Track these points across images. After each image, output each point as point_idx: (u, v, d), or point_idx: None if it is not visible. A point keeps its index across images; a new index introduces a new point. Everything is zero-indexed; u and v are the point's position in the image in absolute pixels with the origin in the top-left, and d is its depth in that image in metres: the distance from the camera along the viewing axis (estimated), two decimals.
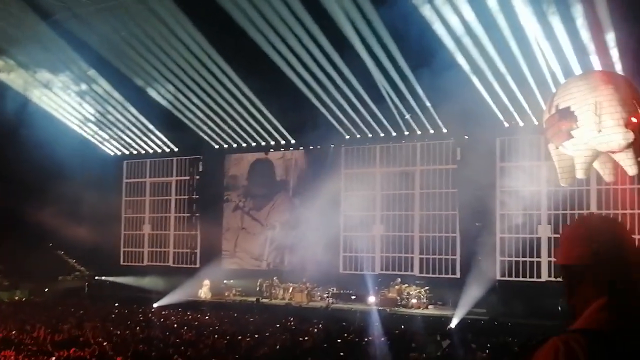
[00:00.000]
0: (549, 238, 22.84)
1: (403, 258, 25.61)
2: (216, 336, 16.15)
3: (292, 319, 20.47)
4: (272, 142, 28.43)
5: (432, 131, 24.73)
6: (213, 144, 29.61)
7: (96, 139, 31.77)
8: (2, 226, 27.65)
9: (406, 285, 23.99)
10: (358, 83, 22.93)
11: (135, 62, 25.17)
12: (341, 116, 25.03)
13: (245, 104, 26.09)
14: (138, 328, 18.06)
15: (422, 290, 23.73)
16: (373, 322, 19.75)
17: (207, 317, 21.54)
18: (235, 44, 22.69)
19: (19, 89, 27.84)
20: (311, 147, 27.84)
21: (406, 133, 25.21)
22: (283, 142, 28.21)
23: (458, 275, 23.93)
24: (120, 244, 32.55)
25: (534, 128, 22.40)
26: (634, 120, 13.71)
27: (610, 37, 18.14)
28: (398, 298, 23.58)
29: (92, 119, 30.18)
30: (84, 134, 31.13)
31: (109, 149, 32.43)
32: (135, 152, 32.13)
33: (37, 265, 28.23)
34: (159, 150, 31.56)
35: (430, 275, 24.79)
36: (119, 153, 32.59)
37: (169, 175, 31.83)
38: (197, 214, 30.55)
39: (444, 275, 24.59)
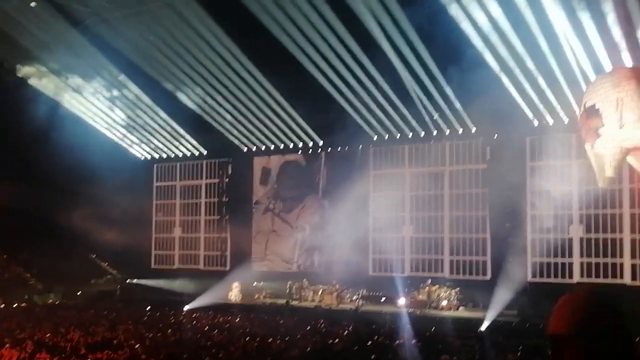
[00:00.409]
0: (581, 238, 22.53)
1: (433, 260, 25.44)
2: (247, 339, 16.19)
3: (322, 321, 20.46)
4: (300, 144, 28.46)
5: (460, 131, 24.53)
6: (242, 146, 29.74)
7: (126, 143, 32.13)
8: (35, 230, 28.11)
9: (436, 286, 23.84)
10: (386, 83, 22.86)
11: (164, 66, 25.41)
12: (369, 117, 24.96)
13: (274, 107, 26.17)
14: (170, 331, 18.20)
15: (453, 291, 23.56)
16: (403, 324, 19.65)
17: (237, 320, 21.62)
18: (263, 46, 22.76)
19: (50, 94, 28.28)
20: (339, 149, 27.79)
21: (435, 133, 25.04)
22: (311, 143, 28.23)
23: (489, 277, 23.69)
24: (151, 247, 32.82)
25: (565, 127, 22.16)
26: None
27: None
28: (428, 300, 23.45)
29: (122, 123, 30.54)
30: (115, 138, 31.52)
31: (139, 152, 32.76)
32: (165, 155, 32.39)
33: (69, 269, 28.63)
34: (189, 154, 31.79)
35: (461, 276, 24.60)
36: (149, 157, 32.89)
37: (198, 178, 32.02)
38: (227, 217, 30.68)
39: (474, 277, 24.37)
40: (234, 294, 27.19)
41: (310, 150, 28.54)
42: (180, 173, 32.56)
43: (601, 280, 21.89)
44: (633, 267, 21.52)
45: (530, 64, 20.20)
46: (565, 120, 22.00)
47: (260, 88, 25.18)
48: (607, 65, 18.63)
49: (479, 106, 21.38)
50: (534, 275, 23.02)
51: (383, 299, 24.44)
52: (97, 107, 29.49)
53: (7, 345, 14.95)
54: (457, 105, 23.05)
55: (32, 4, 23.22)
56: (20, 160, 28.26)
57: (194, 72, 25.35)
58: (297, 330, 18.21)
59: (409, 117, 24.55)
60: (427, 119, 24.27)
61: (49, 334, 17.10)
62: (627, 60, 18.32)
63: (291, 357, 13.67)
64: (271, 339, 16.09)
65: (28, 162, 28.34)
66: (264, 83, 24.89)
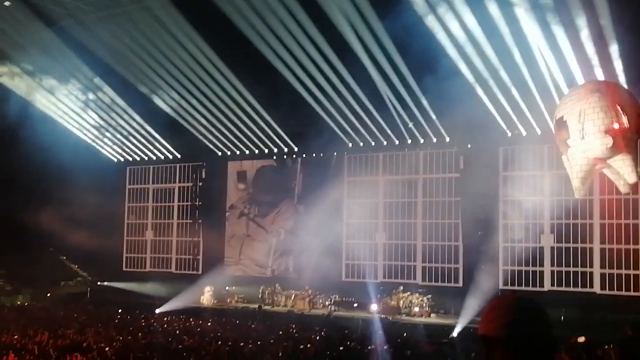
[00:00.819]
0: (552, 247, 22.85)
1: (406, 266, 25.62)
2: (219, 343, 16.13)
3: (294, 326, 20.42)
4: (276, 150, 28.48)
5: (435, 140, 24.75)
6: (216, 150, 29.68)
7: (99, 145, 31.85)
8: (4, 231, 27.70)
9: (408, 293, 23.99)
10: (361, 91, 22.99)
11: (140, 69, 25.27)
12: (344, 124, 25.07)
13: (249, 112, 26.16)
14: (140, 334, 18.04)
15: (425, 298, 23.73)
16: (375, 330, 19.72)
17: (209, 324, 21.52)
18: (238, 52, 22.78)
19: (22, 94, 27.95)
20: (314, 155, 27.86)
21: (409, 141, 25.24)
22: (286, 149, 28.26)
23: (461, 284, 23.90)
24: (122, 249, 32.58)
25: (537, 138, 22.51)
26: (615, 126, 13.91)
27: (614, 48, 18.19)
28: (400, 306, 23.58)
29: (96, 125, 30.29)
30: (88, 140, 31.23)
31: (112, 155, 32.52)
32: (138, 158, 32.20)
33: (39, 271, 28.30)
34: (162, 157, 31.64)
35: (433, 283, 24.80)
36: (122, 159, 32.67)
37: (171, 181, 31.90)
38: (200, 221, 30.57)
39: (446, 284, 24.58)
40: (206, 298, 27.10)
41: (285, 156, 28.58)
42: (153, 176, 32.40)
43: (571, 289, 22.22)
44: (602, 276, 21.86)
45: (504, 76, 20.48)
46: (538, 131, 22.31)
47: (235, 93, 25.15)
48: (580, 79, 18.97)
49: (454, 116, 21.56)
50: (505, 284, 23.28)
51: (355, 304, 24.51)
52: (70, 109, 29.19)
53: None
54: (432, 114, 23.25)
55: (6, 3, 22.95)
56: None
57: (169, 75, 25.25)
58: (269, 334, 18.17)
59: (384, 125, 24.70)
60: (402, 127, 24.45)
61: (16, 336, 16.85)
62: (599, 75, 18.66)
63: None
64: (243, 344, 16.04)
65: None
66: (240, 88, 24.87)
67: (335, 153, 27.28)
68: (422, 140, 25.01)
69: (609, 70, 18.57)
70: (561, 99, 16.46)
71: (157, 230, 32.12)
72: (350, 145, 26.49)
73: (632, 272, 21.34)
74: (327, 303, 25.07)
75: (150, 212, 32.35)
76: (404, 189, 26.08)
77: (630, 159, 14.54)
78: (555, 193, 22.45)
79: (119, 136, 30.88)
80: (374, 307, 23.66)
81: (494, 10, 18.42)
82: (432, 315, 23.43)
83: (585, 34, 18.14)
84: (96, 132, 30.91)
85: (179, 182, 31.71)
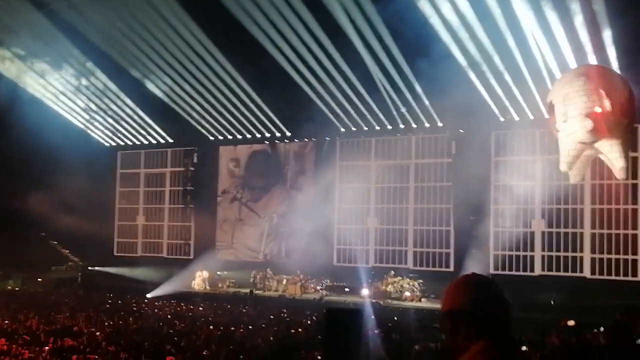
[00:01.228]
0: (543, 232, 22.92)
1: (397, 251, 25.67)
2: (210, 327, 16.14)
3: (285, 310, 20.47)
4: (268, 135, 28.40)
5: (427, 124, 24.72)
6: (208, 135, 29.56)
7: (90, 130, 31.67)
8: None
9: (399, 278, 24.04)
10: (354, 76, 22.91)
11: (131, 53, 25.05)
12: (337, 109, 25.00)
13: (241, 96, 26.04)
14: (131, 319, 18.03)
15: (416, 283, 23.77)
16: (366, 314, 19.73)
17: (200, 308, 21.53)
18: (231, 36, 22.65)
19: (13, 78, 27.68)
20: (306, 139, 27.80)
21: (402, 126, 25.19)
22: (279, 134, 28.18)
23: (452, 269, 23.97)
24: (114, 234, 32.54)
25: (530, 123, 22.51)
26: (597, 110, 13.95)
27: (607, 33, 18.15)
28: (391, 291, 23.64)
29: (87, 109, 30.07)
30: (79, 125, 31.03)
31: (103, 139, 32.34)
32: (130, 142, 32.05)
33: (30, 256, 28.18)
34: (154, 142, 31.50)
35: (424, 268, 24.86)
36: (113, 144, 32.51)
37: (163, 166, 31.80)
38: (192, 205, 30.52)
39: (437, 269, 24.65)
40: (197, 282, 27.08)
41: (277, 140, 28.50)
42: (145, 161, 32.31)
43: (562, 273, 22.32)
44: (592, 261, 21.96)
45: (497, 61, 20.44)
46: (531, 116, 22.30)
47: (228, 77, 25.02)
48: (573, 64, 18.94)
49: (446, 101, 21.50)
50: (496, 268, 23.35)
51: (347, 289, 24.55)
52: (62, 93, 28.96)
53: None
54: (425, 99, 23.21)
55: None
56: None
57: (161, 59, 25.05)
58: (260, 319, 18.22)
59: (377, 110, 24.63)
60: (394, 112, 24.40)
61: (7, 321, 16.82)
62: (593, 60, 18.64)
63: (254, 345, 13.65)
64: (234, 328, 16.06)
65: None
66: (232, 73, 24.74)
67: (327, 138, 27.21)
68: (414, 125, 24.96)
69: (602, 56, 18.55)
70: (553, 83, 16.48)
71: (149, 215, 32.06)
72: (342, 130, 26.43)
73: (621, 256, 21.45)
74: (318, 287, 25.12)
75: (142, 196, 32.27)
76: (396, 173, 26.08)
77: (618, 143, 14.56)
78: (546, 178, 22.48)
79: (110, 120, 30.70)
80: (365, 291, 23.70)
81: None
82: (422, 299, 23.47)
83: (579, 19, 18.09)
84: (87, 116, 30.70)
85: (171, 166, 31.61)
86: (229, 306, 22.28)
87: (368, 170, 26.68)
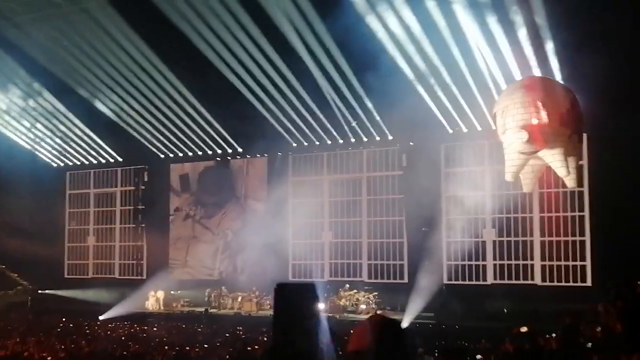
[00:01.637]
0: (494, 241, 23.26)
1: (352, 264, 25.76)
2: (165, 347, 15.92)
3: (241, 328, 20.33)
4: (219, 151, 28.25)
5: (378, 138, 24.94)
6: (158, 153, 29.27)
7: (38, 151, 31.04)
8: None
9: (355, 291, 24.12)
10: (304, 91, 23.01)
11: (78, 72, 24.74)
12: (288, 124, 25.05)
13: (191, 113, 25.89)
14: (84, 342, 17.66)
15: (371, 295, 23.88)
16: (322, 329, 19.71)
17: (154, 329, 21.23)
18: (179, 53, 22.58)
19: None
20: (258, 155, 27.77)
21: (353, 140, 25.35)
22: (230, 150, 28.06)
23: (406, 280, 24.12)
24: (64, 256, 31.87)
25: (478, 134, 22.88)
26: (533, 121, 14.37)
27: (549, 45, 18.67)
28: (347, 304, 23.69)
29: (33, 129, 29.48)
30: (25, 145, 30.38)
31: (51, 159, 31.72)
32: (78, 162, 31.51)
33: None
34: (103, 161, 31.03)
35: (379, 280, 24.98)
36: (61, 164, 31.90)
37: (113, 185, 31.34)
38: (143, 225, 30.13)
39: (392, 281, 24.79)
40: (151, 302, 26.70)
41: (229, 156, 28.38)
42: (94, 180, 31.78)
43: (513, 281, 22.68)
44: (543, 268, 22.37)
45: (444, 74, 20.77)
46: (479, 127, 22.68)
47: (177, 94, 24.87)
48: (518, 76, 19.40)
49: (396, 114, 21.72)
50: (449, 278, 23.60)
51: None
52: (6, 113, 28.39)
53: None
54: (375, 113, 23.43)
55: None
56: None
57: (108, 78, 24.79)
58: (216, 337, 18.06)
59: (328, 124, 24.75)
60: (345, 126, 24.56)
61: None
62: (537, 72, 19.14)
63: None
64: (189, 347, 15.88)
65: None
66: (181, 89, 24.60)
67: (279, 153, 27.22)
68: (365, 139, 25.15)
69: (546, 67, 19.06)
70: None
71: (100, 235, 31.53)
72: (294, 145, 26.46)
73: (570, 263, 21.89)
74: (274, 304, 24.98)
75: (92, 217, 31.73)
76: (348, 187, 26.22)
77: (559, 153, 14.92)
78: (496, 188, 22.85)
79: (58, 140, 30.12)
80: (320, 306, 23.64)
81: (432, 8, 18.69)
82: (378, 312, 23.57)
83: (522, 32, 18.57)
84: (33, 137, 30.10)
85: (121, 186, 31.17)
86: (184, 325, 22.02)
87: (321, 184, 26.76)
